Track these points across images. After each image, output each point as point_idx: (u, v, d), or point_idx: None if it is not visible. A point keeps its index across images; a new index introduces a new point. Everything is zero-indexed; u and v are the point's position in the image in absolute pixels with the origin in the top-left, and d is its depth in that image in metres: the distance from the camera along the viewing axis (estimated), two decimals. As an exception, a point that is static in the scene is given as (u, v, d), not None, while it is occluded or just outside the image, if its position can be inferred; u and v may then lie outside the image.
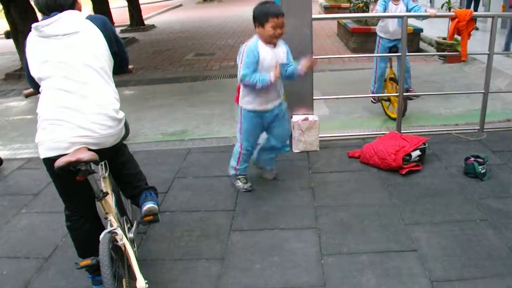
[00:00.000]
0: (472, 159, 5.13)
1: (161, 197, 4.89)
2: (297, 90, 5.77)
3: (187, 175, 5.43)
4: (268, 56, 4.47)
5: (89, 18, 3.26)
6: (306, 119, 5.78)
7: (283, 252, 3.93)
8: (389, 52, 6.94)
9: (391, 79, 7.06)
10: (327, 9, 20.13)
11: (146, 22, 21.74)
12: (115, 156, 3.52)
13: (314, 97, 5.96)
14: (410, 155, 5.22)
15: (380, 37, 7.03)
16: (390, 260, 3.77)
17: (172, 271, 3.79)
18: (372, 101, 7.42)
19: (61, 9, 3.20)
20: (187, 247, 4.08)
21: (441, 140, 6.07)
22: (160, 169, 5.64)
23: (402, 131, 6.13)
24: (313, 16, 5.65)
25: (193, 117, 7.74)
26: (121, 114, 3.27)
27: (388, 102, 7.24)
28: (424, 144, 5.42)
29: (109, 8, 16.70)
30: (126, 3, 20.88)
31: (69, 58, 3.11)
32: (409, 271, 3.63)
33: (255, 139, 4.92)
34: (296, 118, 5.81)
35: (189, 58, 13.21)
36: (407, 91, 6.80)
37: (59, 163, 2.90)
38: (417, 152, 5.30)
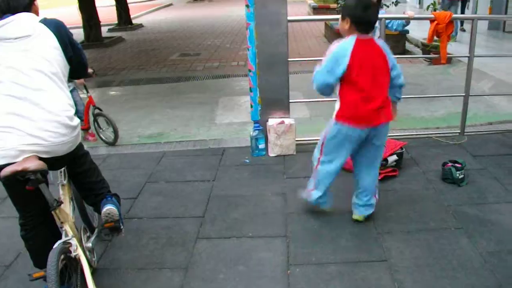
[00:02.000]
0: (450, 164, 5.03)
1: (130, 202, 4.78)
2: (273, 93, 5.66)
3: (159, 180, 5.29)
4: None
5: (43, 21, 3.13)
6: (282, 122, 5.65)
7: (250, 261, 3.80)
8: None
9: None
10: (316, 9, 20.01)
11: (134, 21, 21.58)
12: (75, 164, 3.40)
13: (290, 100, 5.82)
14: (386, 160, 5.09)
15: None
16: (360, 271, 3.64)
17: (134, 281, 3.65)
18: None
19: (14, 11, 3.06)
20: (151, 256, 3.94)
21: (421, 144, 5.96)
22: (133, 173, 5.50)
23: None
24: (289, 18, 5.51)
25: (172, 119, 7.62)
26: (75, 121, 3.14)
27: None
28: (401, 148, 5.30)
29: (94, 7, 16.47)
30: (114, 2, 20.65)
31: (20, 63, 2.97)
32: (377, 282, 3.50)
33: None
34: (272, 121, 5.68)
35: (174, 59, 13.07)
36: None
37: (4, 172, 2.78)
38: (394, 157, 5.18)
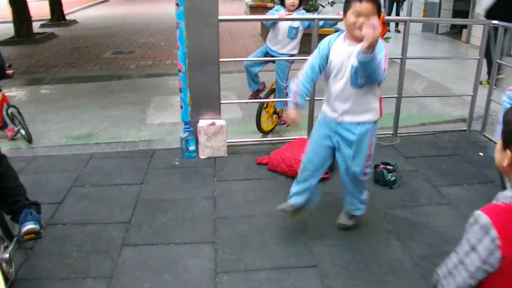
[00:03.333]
0: (382, 166, 5.05)
1: (55, 207, 4.58)
2: (203, 93, 5.58)
3: (85, 183, 5.10)
4: (340, 55, 3.59)
5: None
6: (212, 123, 5.56)
7: (177, 269, 3.69)
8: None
9: (273, 90, 6.58)
10: (253, 8, 19.92)
11: (68, 17, 20.96)
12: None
13: (222, 101, 5.74)
14: (317, 162, 5.07)
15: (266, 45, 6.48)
16: (289, 277, 3.60)
17: (54, 292, 3.51)
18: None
19: None
20: (75, 264, 3.77)
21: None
22: (59, 176, 5.28)
23: (313, 136, 6.00)
24: (220, 17, 5.42)
25: (102, 119, 7.40)
26: None
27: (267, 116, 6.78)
28: (333, 150, 5.28)
29: (25, 1, 15.87)
30: (46, -4, 19.98)
31: None
32: (306, 288, 3.46)
33: None
34: (202, 122, 5.58)
35: (107, 56, 12.74)
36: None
37: None
38: (326, 159, 5.16)
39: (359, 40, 3.33)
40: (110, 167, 5.47)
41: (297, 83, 3.67)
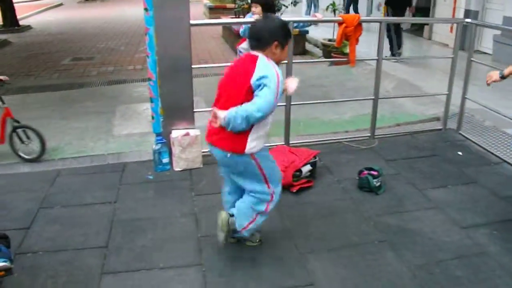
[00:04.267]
0: (366, 172, 4.89)
1: (23, 233, 4.22)
2: (176, 102, 5.31)
3: (54, 204, 4.74)
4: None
5: None
6: (187, 134, 5.29)
7: (163, 297, 3.42)
8: None
9: None
10: (212, 9, 19.74)
11: (21, 23, 20.33)
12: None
13: (194, 110, 5.46)
14: (300, 171, 4.88)
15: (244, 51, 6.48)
16: (286, 299, 3.37)
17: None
18: None
19: None
20: (50, 299, 3.47)
21: (332, 150, 5.80)
22: (24, 197, 4.90)
23: (290, 142, 5.79)
24: (192, 21, 5.15)
25: (65, 131, 6.96)
26: None
27: None
28: (315, 157, 5.09)
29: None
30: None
31: None
32: (305, 311, 3.24)
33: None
34: (176, 133, 5.30)
35: (66, 63, 12.32)
36: None
37: None
38: (308, 167, 4.97)
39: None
40: (79, 185, 5.14)
41: None
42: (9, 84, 5.89)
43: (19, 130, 5.90)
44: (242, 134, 3.37)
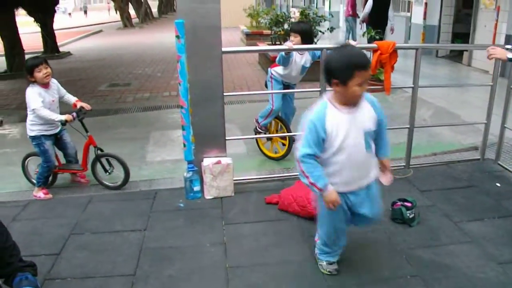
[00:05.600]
0: (399, 203, 4.75)
1: (53, 259, 4.22)
2: (207, 130, 5.28)
3: (85, 231, 4.75)
4: (343, 125, 3.34)
5: None
6: (218, 162, 5.26)
7: (189, 329, 3.36)
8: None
9: (276, 117, 6.73)
10: (249, 35, 19.82)
11: (61, 49, 20.79)
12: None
13: (226, 138, 5.44)
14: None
15: (277, 77, 6.60)
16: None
17: None
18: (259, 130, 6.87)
19: None
20: (77, 327, 3.44)
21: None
22: (55, 223, 4.93)
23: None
24: (223, 49, 5.14)
25: (99, 157, 7.03)
26: None
27: (265, 140, 6.93)
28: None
29: (18, 34, 15.56)
30: (39, 28, 19.74)
31: None
32: None
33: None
34: (207, 161, 5.27)
35: (102, 89, 12.49)
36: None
37: None
38: (340, 197, 4.86)
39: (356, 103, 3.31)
40: (110, 212, 5.14)
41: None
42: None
43: (103, 159, 5.94)
44: None
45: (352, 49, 3.34)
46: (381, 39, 11.15)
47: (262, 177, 5.87)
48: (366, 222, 3.82)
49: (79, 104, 5.83)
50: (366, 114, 3.38)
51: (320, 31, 12.39)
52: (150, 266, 4.10)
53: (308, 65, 6.34)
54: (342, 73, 3.19)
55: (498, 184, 5.59)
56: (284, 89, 6.59)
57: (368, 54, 5.80)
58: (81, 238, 4.63)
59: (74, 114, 5.62)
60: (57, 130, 5.79)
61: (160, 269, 4.05)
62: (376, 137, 3.54)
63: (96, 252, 4.37)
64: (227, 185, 5.32)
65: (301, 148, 3.32)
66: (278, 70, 6.45)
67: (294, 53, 6.13)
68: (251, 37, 19.58)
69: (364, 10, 13.42)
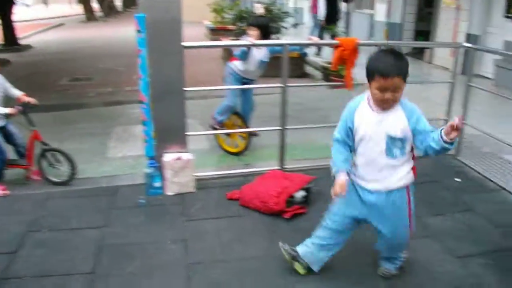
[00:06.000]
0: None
1: (9, 258, 4.11)
2: (168, 125, 5.23)
3: (42, 228, 4.63)
4: (369, 125, 3.38)
5: None
6: (179, 158, 5.21)
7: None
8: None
9: (235, 113, 6.79)
10: (213, 31, 19.71)
11: (22, 42, 20.37)
12: None
13: (188, 133, 5.40)
14: (293, 197, 4.78)
15: (236, 72, 6.65)
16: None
17: None
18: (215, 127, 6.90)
19: None
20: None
21: (327, 175, 5.66)
22: (13, 219, 4.80)
23: (285, 167, 5.70)
24: (185, 44, 5.09)
25: (58, 153, 6.91)
26: None
27: (225, 136, 6.95)
28: (309, 183, 5.00)
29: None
30: (-3, 21, 19.28)
31: None
32: None
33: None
34: (168, 157, 5.22)
35: (63, 83, 12.28)
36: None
37: None
38: (302, 193, 4.88)
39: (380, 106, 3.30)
40: (69, 208, 5.03)
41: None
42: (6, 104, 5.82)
43: (48, 154, 5.83)
44: None
45: (385, 54, 3.27)
46: (334, 34, 11.34)
47: (224, 173, 5.86)
48: (386, 241, 3.74)
49: (26, 98, 5.77)
50: (396, 120, 3.33)
51: (284, 26, 12.41)
52: (110, 264, 4.04)
53: (266, 59, 6.41)
54: (367, 73, 3.26)
55: (458, 180, 5.68)
56: (243, 85, 6.63)
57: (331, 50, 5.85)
58: (39, 236, 4.52)
59: (20, 107, 5.55)
60: (2, 124, 5.69)
61: (120, 266, 3.99)
62: (425, 138, 3.46)
63: (54, 250, 4.28)
64: (188, 181, 5.28)
65: (335, 132, 3.55)
66: (237, 64, 6.48)
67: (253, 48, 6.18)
68: (216, 32, 19.45)
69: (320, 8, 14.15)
